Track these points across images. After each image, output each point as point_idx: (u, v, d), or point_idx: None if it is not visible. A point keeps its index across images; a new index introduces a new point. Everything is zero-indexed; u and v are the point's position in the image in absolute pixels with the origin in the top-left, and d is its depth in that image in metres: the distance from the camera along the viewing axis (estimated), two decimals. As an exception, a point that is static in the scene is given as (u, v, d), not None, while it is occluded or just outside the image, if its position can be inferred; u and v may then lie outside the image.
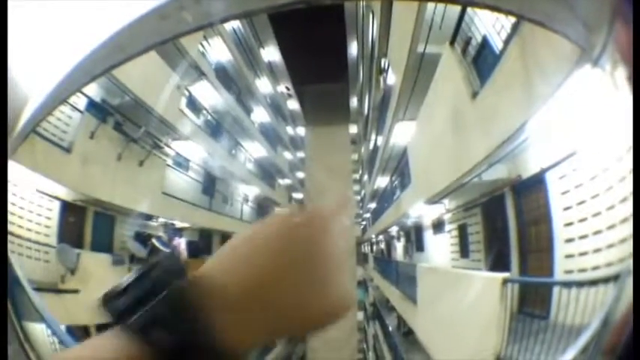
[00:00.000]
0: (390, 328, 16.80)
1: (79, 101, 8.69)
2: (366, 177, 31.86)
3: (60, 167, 7.72)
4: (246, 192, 21.40)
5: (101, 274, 8.83)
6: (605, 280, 2.96)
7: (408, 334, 13.88)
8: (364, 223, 36.89)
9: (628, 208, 3.37)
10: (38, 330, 3.40)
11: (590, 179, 4.40)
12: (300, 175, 36.54)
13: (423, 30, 8.03)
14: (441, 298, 7.90)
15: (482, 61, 6.74)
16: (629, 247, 3.03)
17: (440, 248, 12.64)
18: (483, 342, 5.56)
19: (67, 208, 9.01)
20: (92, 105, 9.19)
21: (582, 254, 4.64)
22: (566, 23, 2.97)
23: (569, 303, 3.99)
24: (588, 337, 2.16)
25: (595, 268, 4.24)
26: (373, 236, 29.20)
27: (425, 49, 8.50)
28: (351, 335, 30.07)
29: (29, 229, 7.78)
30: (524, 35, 4.78)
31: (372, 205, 28.54)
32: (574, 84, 3.53)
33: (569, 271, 4.98)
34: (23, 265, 3.81)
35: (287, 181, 31.27)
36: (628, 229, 3.35)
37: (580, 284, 3.77)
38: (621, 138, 3.24)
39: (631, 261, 1.79)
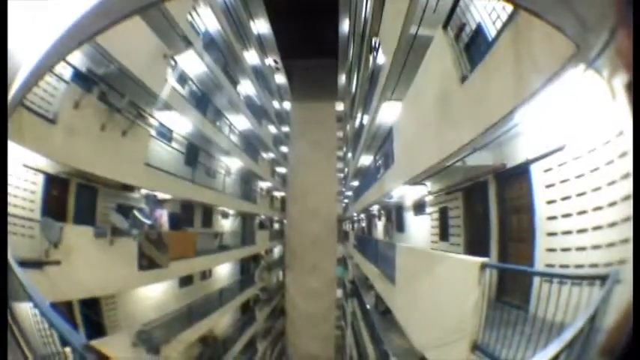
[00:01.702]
0: (368, 307, 17.11)
1: (65, 72, 8.44)
2: (350, 154, 31.89)
3: (45, 138, 7.54)
4: (229, 164, 21.24)
5: (83, 247, 8.74)
6: (590, 281, 3.01)
7: (386, 312, 14.16)
8: (346, 200, 37.07)
9: (616, 213, 3.44)
10: (24, 309, 3.38)
11: (576, 176, 4.46)
12: (284, 149, 36.35)
13: (417, 11, 7.93)
14: (419, 279, 7.97)
15: (474, 47, 6.68)
16: (617, 253, 3.07)
17: (420, 230, 12.82)
18: (460, 324, 5.63)
19: (50, 181, 8.87)
20: (77, 75, 8.92)
21: (565, 250, 4.73)
22: (562, 17, 2.96)
23: (550, 297, 4.05)
24: (573, 334, 2.21)
25: (578, 266, 4.32)
26: (355, 214, 29.39)
27: (417, 30, 8.40)
28: (330, 312, 30.60)
29: (15, 205, 7.62)
30: (519, 25, 4.74)
31: (355, 183, 28.67)
32: (567, 79, 3.55)
33: (550, 265, 5.07)
34: (10, 242, 3.70)
35: (270, 155, 31.11)
36: (616, 234, 3.42)
37: (562, 279, 3.81)
38: (613, 141, 3.30)
39: (620, 268, 1.82)
